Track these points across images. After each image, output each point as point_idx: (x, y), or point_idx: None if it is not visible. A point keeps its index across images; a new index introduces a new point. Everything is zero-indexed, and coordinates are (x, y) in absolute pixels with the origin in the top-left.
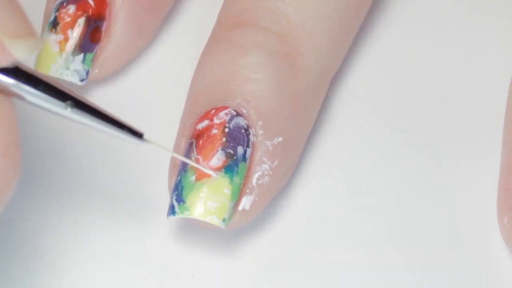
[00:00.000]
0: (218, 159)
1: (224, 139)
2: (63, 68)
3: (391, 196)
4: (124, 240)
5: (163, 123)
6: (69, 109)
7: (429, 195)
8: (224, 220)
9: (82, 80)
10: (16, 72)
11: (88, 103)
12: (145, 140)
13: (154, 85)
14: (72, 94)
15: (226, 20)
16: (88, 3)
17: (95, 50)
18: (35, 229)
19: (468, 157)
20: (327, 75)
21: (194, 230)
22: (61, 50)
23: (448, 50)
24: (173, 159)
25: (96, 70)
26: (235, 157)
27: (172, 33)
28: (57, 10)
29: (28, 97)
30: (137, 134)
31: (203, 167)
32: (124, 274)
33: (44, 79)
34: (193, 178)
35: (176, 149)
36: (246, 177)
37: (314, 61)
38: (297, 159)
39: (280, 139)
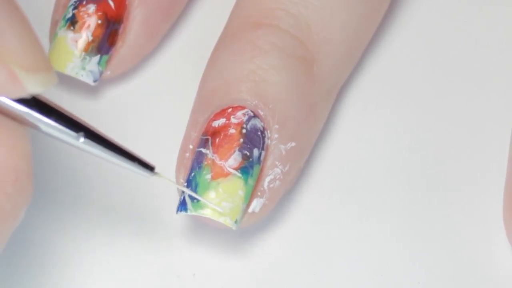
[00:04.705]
0: (235, 159)
1: (241, 139)
2: (80, 68)
3: (393, 196)
4: (125, 239)
5: (163, 121)
6: (81, 140)
7: (433, 195)
8: (236, 221)
9: (95, 81)
10: (30, 101)
11: (101, 134)
12: (156, 173)
13: (154, 83)
14: (84, 125)
15: (244, 18)
16: (108, 4)
17: (110, 52)
18: (34, 229)
19: (473, 157)
20: (338, 83)
21: (195, 229)
22: (79, 50)
23: (448, 49)
24: (181, 153)
25: (109, 72)
26: (251, 159)
27: (172, 32)
28: (76, 7)
29: (42, 127)
30: (148, 167)
31: (222, 166)
32: (126, 274)
33: (58, 109)
34: (209, 176)
35: (186, 142)
36: (258, 179)
37: (329, 69)
38: (304, 164)
39: (293, 144)
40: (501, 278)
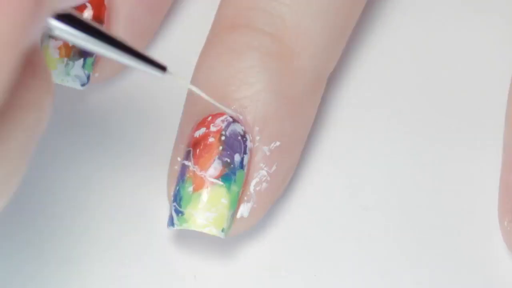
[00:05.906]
0: (215, 168)
1: (220, 147)
2: (64, 74)
3: (393, 197)
4: (126, 241)
5: (160, 126)
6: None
7: (431, 196)
8: (223, 230)
9: (83, 85)
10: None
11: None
12: (168, 72)
13: (151, 87)
14: (99, 28)
15: (221, 22)
16: (86, 7)
17: (95, 54)
18: (33, 227)
19: (470, 158)
20: (323, 74)
21: (197, 231)
22: (61, 56)
23: (447, 48)
24: (171, 166)
25: (97, 74)
26: (232, 166)
27: (170, 33)
28: None
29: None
30: (160, 67)
31: (202, 176)
32: (127, 275)
33: (83, 19)
34: (190, 189)
35: (175, 155)
36: (244, 184)
37: (309, 60)
38: (297, 161)
39: (278, 143)
40: (500, 278)
